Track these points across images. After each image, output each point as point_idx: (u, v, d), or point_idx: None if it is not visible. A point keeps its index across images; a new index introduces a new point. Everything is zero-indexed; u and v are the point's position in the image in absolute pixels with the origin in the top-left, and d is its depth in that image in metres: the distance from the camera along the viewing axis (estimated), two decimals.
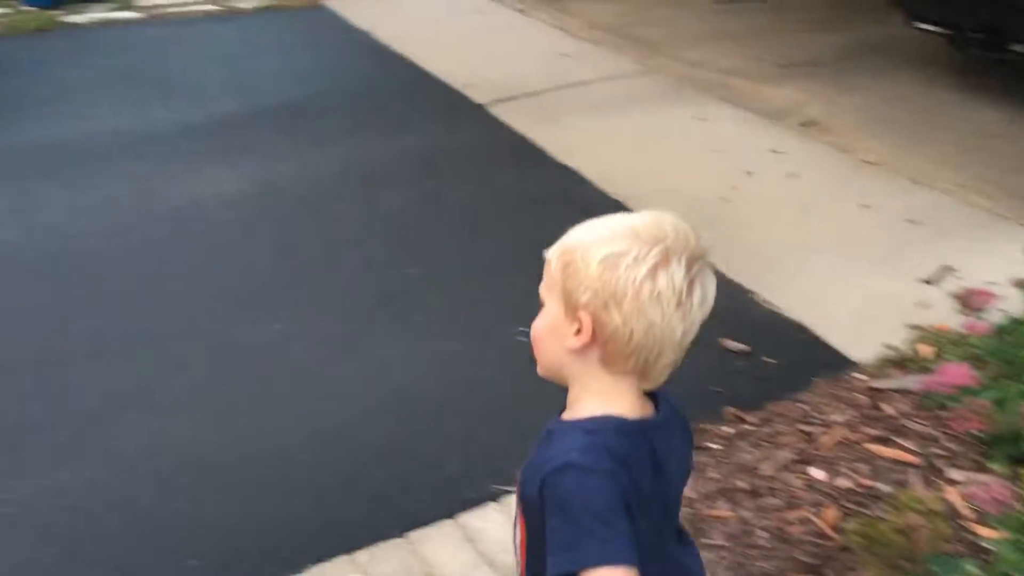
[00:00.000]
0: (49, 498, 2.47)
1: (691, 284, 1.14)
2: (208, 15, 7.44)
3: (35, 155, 4.61)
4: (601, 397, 1.19)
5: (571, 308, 1.16)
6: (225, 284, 3.48)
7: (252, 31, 6.97)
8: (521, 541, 1.24)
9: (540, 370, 1.26)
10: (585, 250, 1.15)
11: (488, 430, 2.71)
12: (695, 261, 1.15)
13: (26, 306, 3.36)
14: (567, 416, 1.22)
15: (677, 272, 1.12)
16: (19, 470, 2.58)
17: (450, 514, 2.40)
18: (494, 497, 2.44)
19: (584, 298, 1.14)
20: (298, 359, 3.04)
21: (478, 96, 5.39)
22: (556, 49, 6.30)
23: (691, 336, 1.17)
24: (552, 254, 1.22)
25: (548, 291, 1.22)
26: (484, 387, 2.90)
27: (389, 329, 3.20)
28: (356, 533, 2.33)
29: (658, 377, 1.20)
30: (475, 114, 5.20)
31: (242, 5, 7.72)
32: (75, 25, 7.03)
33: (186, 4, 7.74)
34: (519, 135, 4.88)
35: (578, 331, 1.16)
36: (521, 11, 7.27)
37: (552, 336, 1.20)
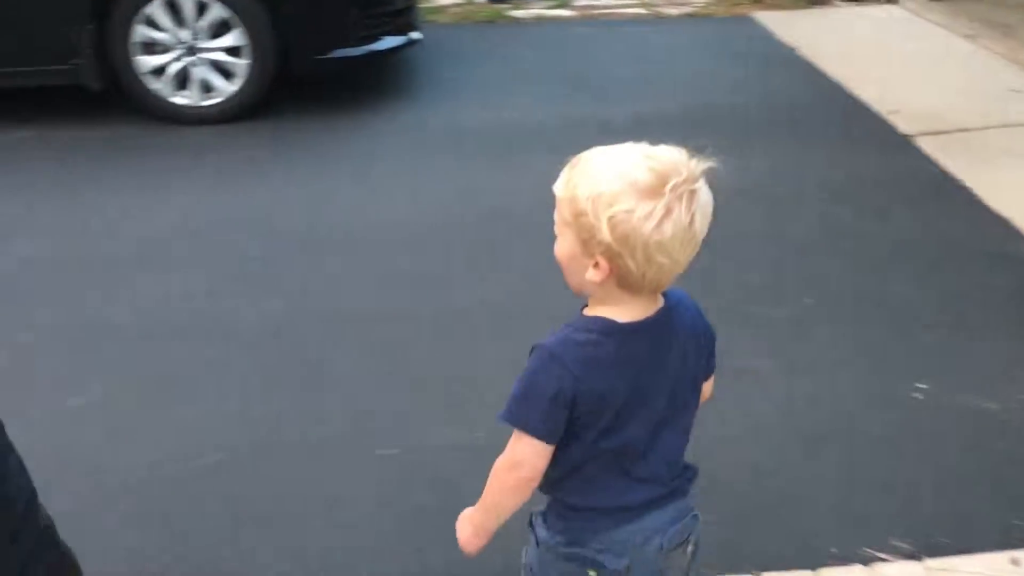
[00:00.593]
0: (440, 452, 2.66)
1: (692, 218, 1.27)
2: (636, 18, 7.66)
3: (465, 137, 5.02)
4: (611, 306, 1.36)
5: (588, 251, 1.30)
6: None
7: (675, 36, 7.05)
8: None
9: (570, 286, 1.39)
10: (595, 205, 1.26)
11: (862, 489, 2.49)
12: (694, 194, 1.27)
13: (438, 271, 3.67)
14: (584, 312, 1.41)
15: (680, 215, 1.25)
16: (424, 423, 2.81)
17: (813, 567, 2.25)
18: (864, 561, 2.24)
19: (599, 249, 1.28)
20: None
21: (904, 126, 5.00)
22: (1004, 84, 5.66)
23: (697, 247, 1.31)
24: (561, 194, 1.33)
25: (563, 226, 1.34)
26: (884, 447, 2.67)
27: (777, 357, 3.06)
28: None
29: (666, 285, 1.36)
30: (897, 144, 4.83)
31: (669, 11, 7.84)
32: (516, 20, 7.57)
33: (615, 6, 8.03)
34: (945, 173, 4.45)
35: (595, 266, 1.30)
36: (969, 37, 6.63)
37: (573, 265, 1.34)
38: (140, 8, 4.94)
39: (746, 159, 4.63)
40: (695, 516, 1.52)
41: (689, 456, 1.51)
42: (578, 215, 1.29)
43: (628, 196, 1.25)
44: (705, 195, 1.30)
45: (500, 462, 1.41)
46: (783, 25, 7.02)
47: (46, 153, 4.84)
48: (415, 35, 5.64)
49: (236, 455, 2.63)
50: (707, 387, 1.52)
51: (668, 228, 1.25)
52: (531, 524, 1.52)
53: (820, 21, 7.28)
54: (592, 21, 7.57)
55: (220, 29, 5.02)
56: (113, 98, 5.20)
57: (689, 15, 7.69)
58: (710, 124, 5.10)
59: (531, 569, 1.54)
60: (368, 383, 2.95)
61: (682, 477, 1.49)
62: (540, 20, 7.60)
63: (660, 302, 1.39)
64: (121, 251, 3.83)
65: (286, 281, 3.59)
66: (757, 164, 4.57)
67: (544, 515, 1.50)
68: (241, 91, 5.11)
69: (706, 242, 1.32)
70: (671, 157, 1.28)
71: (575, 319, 1.39)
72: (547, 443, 1.36)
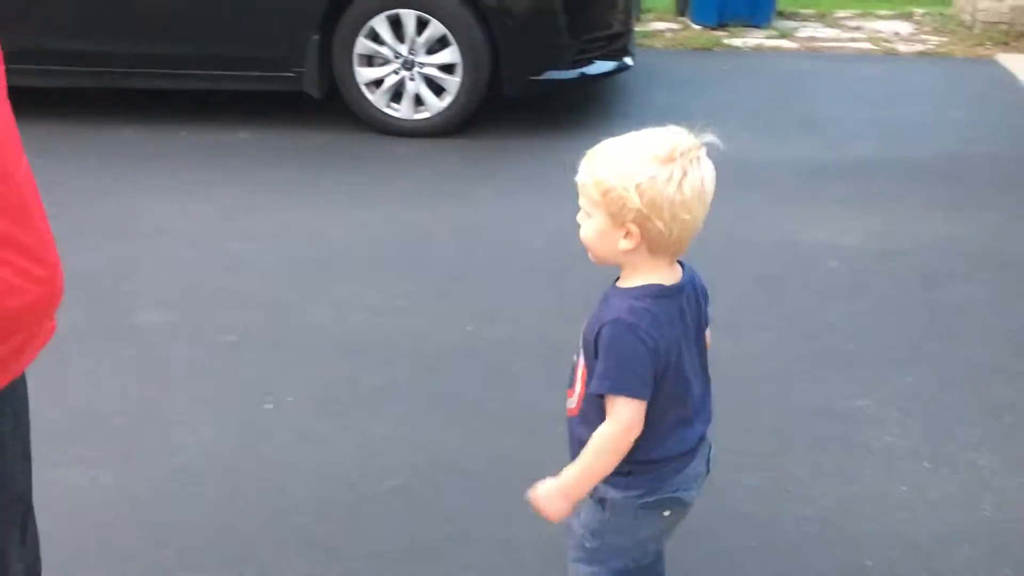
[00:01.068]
0: None
1: (703, 179, 1.48)
2: (863, 54, 7.22)
3: None
4: (647, 272, 1.55)
5: (619, 222, 1.48)
6: (802, 337, 3.27)
7: (907, 76, 6.58)
8: (582, 377, 1.61)
9: (594, 260, 1.58)
10: (621, 179, 1.46)
11: None
12: (700, 159, 1.48)
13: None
14: (621, 284, 1.58)
15: (694, 176, 1.46)
16: None
17: None
18: None
19: (630, 216, 1.47)
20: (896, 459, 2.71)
21: None
22: None
23: (708, 206, 1.50)
24: (586, 180, 1.52)
25: (592, 207, 1.52)
26: None
27: (994, 443, 2.72)
28: None
29: (686, 249, 1.54)
30: None
31: (901, 48, 7.35)
32: (734, 48, 7.31)
33: (841, 40, 7.62)
34: None
35: (627, 235, 1.49)
36: None
37: (604, 240, 1.52)
38: (366, 21, 5.08)
39: (978, 218, 4.21)
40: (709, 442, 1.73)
41: None
42: (606, 192, 1.48)
43: (649, 165, 1.45)
44: (708, 161, 1.50)
45: (611, 431, 1.55)
46: None
47: (263, 154, 5.05)
48: (628, 60, 5.52)
49: (412, 480, 2.57)
50: (707, 335, 1.70)
51: (687, 188, 1.46)
52: (592, 493, 1.65)
53: None
54: (816, 54, 7.21)
55: (436, 46, 5.09)
56: (329, 106, 5.38)
57: (923, 53, 7.18)
58: (941, 176, 4.69)
59: (593, 532, 1.70)
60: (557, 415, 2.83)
61: (708, 408, 1.70)
62: (759, 50, 7.31)
63: (679, 267, 1.60)
64: (327, 256, 3.90)
65: (480, 303, 3.52)
66: (991, 222, 4.14)
67: (610, 479, 1.61)
68: (451, 107, 5.15)
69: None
70: (675, 132, 1.49)
71: (623, 291, 1.55)
72: (646, 401, 1.53)
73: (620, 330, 1.49)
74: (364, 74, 5.17)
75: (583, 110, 5.65)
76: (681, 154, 1.45)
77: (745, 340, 3.19)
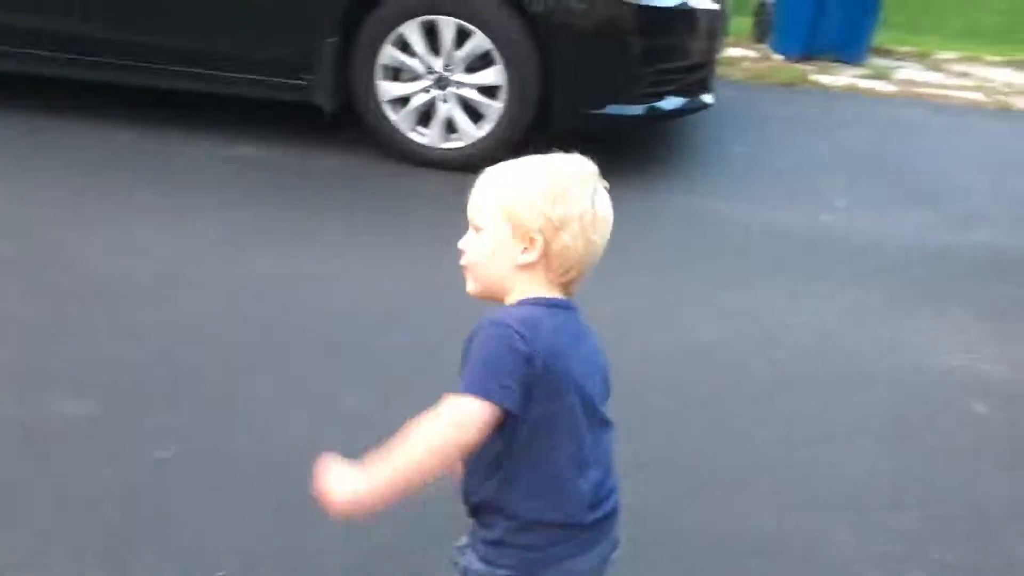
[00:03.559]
0: None
1: (606, 203, 1.40)
2: (974, 106, 6.21)
3: (755, 243, 3.87)
4: (539, 292, 1.40)
5: (521, 232, 1.37)
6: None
7: None
8: None
9: (475, 289, 1.44)
10: (527, 192, 1.37)
11: None
12: (601, 186, 1.41)
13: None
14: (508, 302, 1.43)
15: (602, 198, 1.40)
16: None
17: None
18: None
19: (537, 225, 1.36)
20: None
21: None
22: None
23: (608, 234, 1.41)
24: (483, 200, 1.41)
25: (487, 221, 1.39)
26: None
27: None
28: None
29: (575, 288, 1.42)
30: None
31: (1018, 103, 6.33)
32: (823, 86, 6.32)
33: (947, 88, 6.60)
34: None
35: (527, 247, 1.37)
36: None
37: (498, 257, 1.39)
38: (395, 27, 4.17)
39: None
40: None
41: None
42: (510, 207, 1.37)
43: (561, 177, 1.38)
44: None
45: (435, 422, 1.32)
46: None
47: (259, 176, 4.16)
48: (707, 98, 4.56)
49: None
50: None
51: (600, 205, 1.38)
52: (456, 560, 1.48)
53: None
54: (918, 101, 6.20)
55: (478, 63, 4.18)
56: (343, 123, 4.49)
57: None
58: None
59: None
60: None
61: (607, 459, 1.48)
62: (852, 91, 6.31)
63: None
64: (311, 328, 3.00)
65: None
66: None
67: (477, 546, 1.44)
68: (489, 137, 4.23)
69: None
70: (574, 157, 1.42)
71: (509, 305, 1.40)
72: (496, 408, 1.31)
73: (492, 332, 1.34)
74: (388, 89, 4.26)
75: (645, 154, 4.70)
76: (591, 174, 1.40)
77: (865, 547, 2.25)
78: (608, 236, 1.39)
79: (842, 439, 2.64)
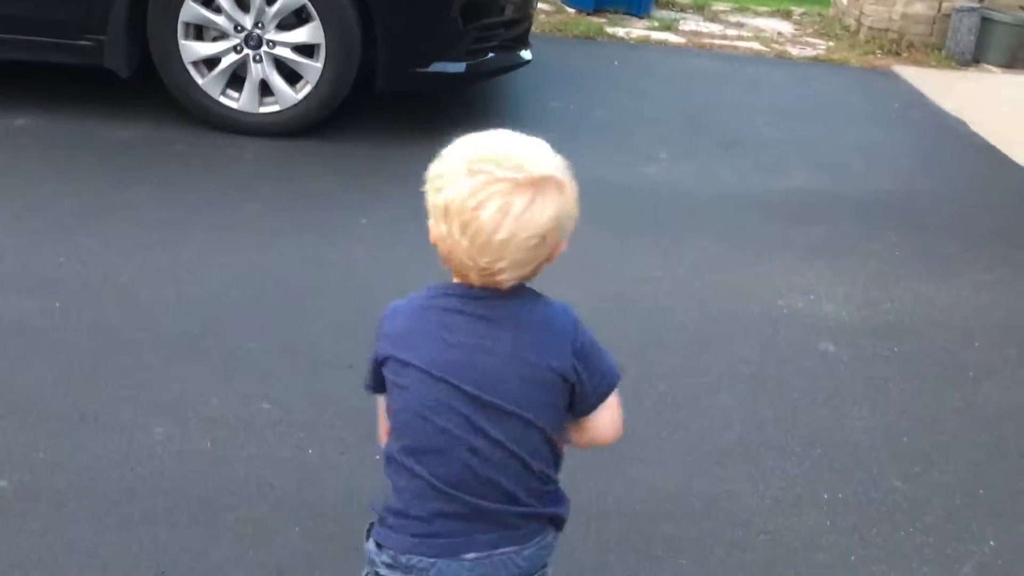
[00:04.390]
0: None
1: (495, 211, 1.20)
2: (754, 55, 6.56)
3: (591, 196, 3.88)
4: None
5: (429, 213, 1.28)
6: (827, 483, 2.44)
7: (809, 88, 5.95)
8: None
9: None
10: (431, 170, 1.28)
11: None
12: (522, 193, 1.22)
13: None
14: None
15: (494, 204, 1.21)
16: None
17: None
18: None
19: (430, 206, 1.27)
20: None
21: None
22: None
23: (506, 245, 1.22)
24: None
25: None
26: None
27: None
28: None
29: (489, 280, 1.26)
30: None
31: (793, 52, 6.75)
32: (620, 39, 6.46)
33: (728, 38, 6.93)
34: None
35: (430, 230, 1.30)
36: None
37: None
38: None
39: (962, 273, 3.54)
40: None
41: None
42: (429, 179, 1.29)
43: (451, 165, 1.27)
44: (526, 197, 1.26)
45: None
46: (936, 89, 5.92)
47: (43, 153, 3.69)
48: (526, 54, 4.51)
49: None
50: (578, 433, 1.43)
51: (484, 209, 1.23)
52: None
53: (979, 88, 6.19)
54: (706, 52, 6.47)
55: (292, 19, 3.89)
56: (141, 89, 4.07)
57: (816, 59, 6.60)
58: (901, 220, 3.99)
59: None
60: None
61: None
62: (646, 43, 6.49)
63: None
64: (110, 329, 2.70)
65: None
66: (980, 282, 3.47)
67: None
68: (308, 100, 3.97)
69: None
70: (528, 147, 1.31)
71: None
72: (372, 393, 1.37)
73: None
74: (192, 49, 3.89)
75: (467, 113, 4.61)
76: (506, 167, 1.23)
77: (742, 489, 2.33)
78: (492, 246, 1.21)
79: (717, 391, 2.70)
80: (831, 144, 4.87)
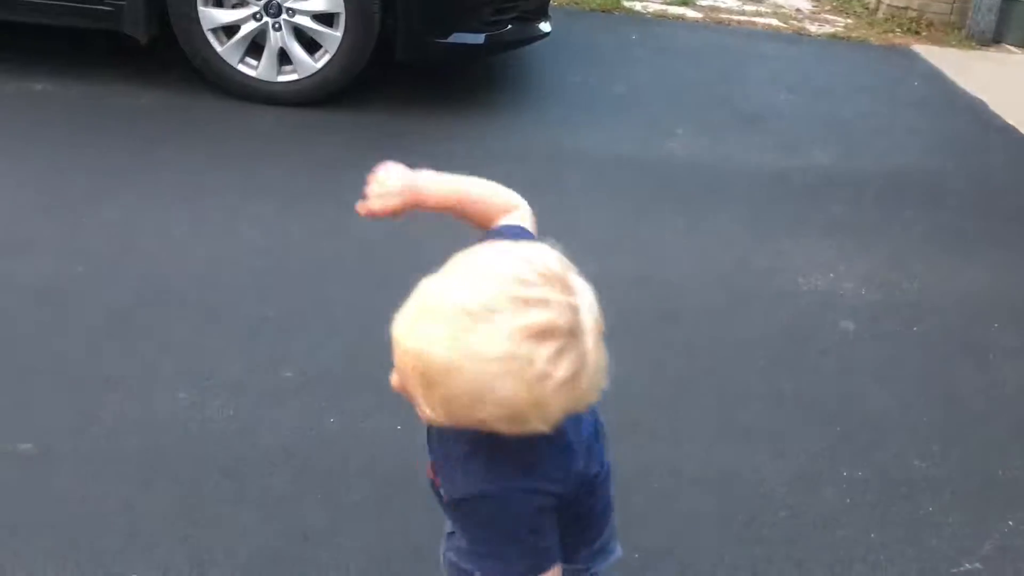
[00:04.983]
0: None
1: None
2: (773, 31, 6.49)
3: (611, 171, 3.89)
4: None
5: None
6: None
7: (828, 65, 5.89)
8: None
9: None
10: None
11: None
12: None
13: None
14: None
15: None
16: None
17: None
18: None
19: None
20: None
21: None
22: None
23: None
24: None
25: None
26: None
27: None
28: None
29: None
30: None
31: (811, 29, 6.68)
32: (636, 13, 6.39)
33: (747, 14, 6.86)
34: None
35: None
36: None
37: None
38: None
39: (983, 255, 3.52)
40: None
41: None
42: None
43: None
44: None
45: None
46: (956, 69, 5.85)
47: (61, 118, 3.69)
48: (545, 26, 4.47)
49: None
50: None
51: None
52: None
53: (999, 69, 6.12)
54: (724, 28, 6.40)
55: None
56: (159, 56, 4.06)
57: (834, 36, 6.53)
58: (924, 199, 3.96)
59: None
60: None
61: None
62: (663, 18, 6.42)
63: None
64: (126, 293, 2.70)
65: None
66: (999, 265, 3.45)
67: None
68: (327, 70, 3.94)
69: None
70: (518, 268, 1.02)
71: None
72: None
73: None
74: (211, 16, 3.86)
75: (486, 87, 4.58)
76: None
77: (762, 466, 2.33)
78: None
79: (737, 367, 2.70)
80: (850, 122, 4.82)
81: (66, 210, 3.06)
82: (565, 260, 1.04)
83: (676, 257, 3.26)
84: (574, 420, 1.12)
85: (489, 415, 0.97)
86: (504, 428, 0.98)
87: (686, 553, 2.05)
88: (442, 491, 1.18)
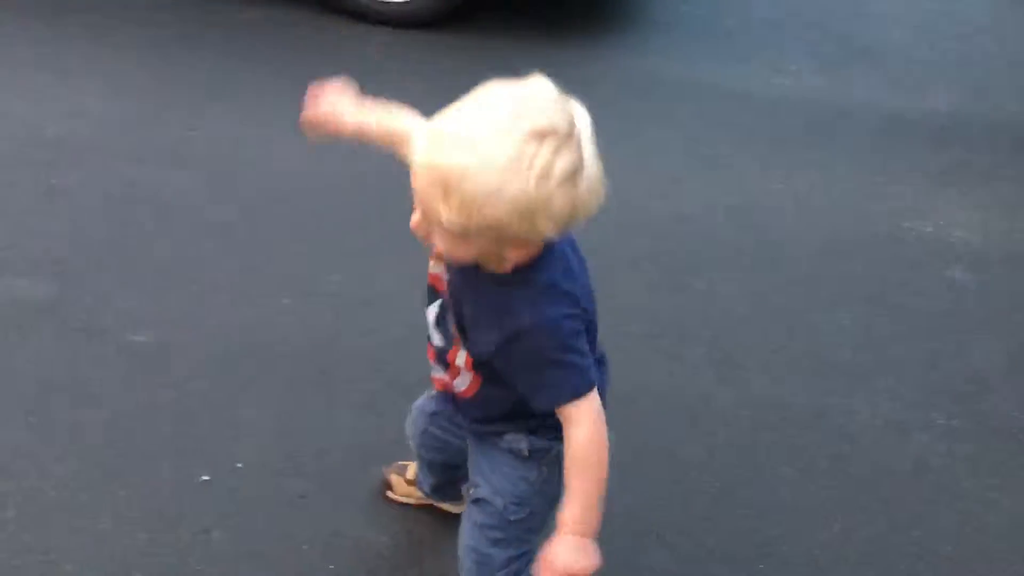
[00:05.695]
0: None
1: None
2: None
3: (718, 103, 3.80)
4: None
5: None
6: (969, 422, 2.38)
7: (954, 1, 5.61)
8: None
9: None
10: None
11: None
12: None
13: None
14: None
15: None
16: None
17: None
18: None
19: None
20: None
21: None
22: None
23: None
24: None
25: None
26: None
27: None
28: None
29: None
30: None
31: None
32: None
33: None
34: None
35: None
36: None
37: None
38: None
39: None
40: None
41: None
42: None
43: None
44: None
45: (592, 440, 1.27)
46: None
47: (174, 27, 3.80)
48: None
49: None
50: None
51: None
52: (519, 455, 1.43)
53: None
54: None
55: None
56: None
57: None
58: None
59: (521, 499, 1.45)
60: None
61: None
62: None
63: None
64: (230, 208, 2.80)
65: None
66: None
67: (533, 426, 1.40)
68: None
69: None
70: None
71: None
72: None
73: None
74: None
75: (602, 9, 4.49)
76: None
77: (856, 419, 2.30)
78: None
79: (833, 306, 2.65)
80: (975, 63, 4.58)
81: (169, 117, 3.16)
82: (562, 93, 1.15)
83: (777, 192, 3.19)
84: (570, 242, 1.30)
85: (504, 213, 1.09)
86: (516, 226, 1.11)
87: (763, 486, 2.06)
88: (474, 351, 1.32)
